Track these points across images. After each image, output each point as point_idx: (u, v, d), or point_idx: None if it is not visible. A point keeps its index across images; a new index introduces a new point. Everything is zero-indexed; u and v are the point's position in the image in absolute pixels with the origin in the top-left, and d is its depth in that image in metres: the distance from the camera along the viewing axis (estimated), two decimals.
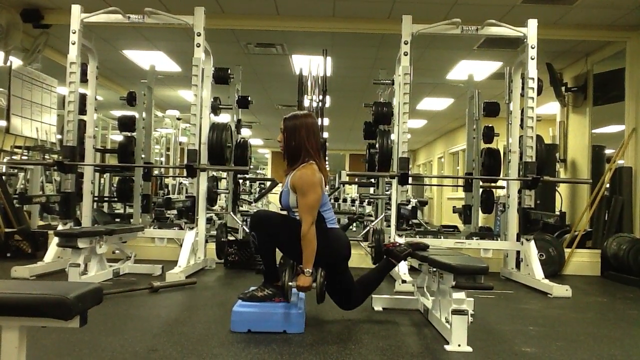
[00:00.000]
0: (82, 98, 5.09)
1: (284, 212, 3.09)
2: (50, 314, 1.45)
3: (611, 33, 6.06)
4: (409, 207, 4.77)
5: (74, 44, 4.74)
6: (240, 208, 7.56)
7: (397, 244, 3.30)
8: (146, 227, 5.12)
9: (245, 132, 7.76)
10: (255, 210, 3.68)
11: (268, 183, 9.75)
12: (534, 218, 4.84)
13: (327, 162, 6.21)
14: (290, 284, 2.83)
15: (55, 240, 4.31)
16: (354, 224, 10.38)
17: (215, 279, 4.73)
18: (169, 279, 4.18)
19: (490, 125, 6.38)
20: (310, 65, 5.51)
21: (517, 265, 5.02)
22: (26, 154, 7.19)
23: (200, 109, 4.94)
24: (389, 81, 5.80)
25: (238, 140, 6.07)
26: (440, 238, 5.25)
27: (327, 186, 3.05)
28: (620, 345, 2.84)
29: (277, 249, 2.99)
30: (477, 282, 2.68)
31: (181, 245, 4.79)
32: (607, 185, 6.09)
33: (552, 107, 8.00)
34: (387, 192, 6.73)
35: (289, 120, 2.96)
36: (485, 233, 5.84)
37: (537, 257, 4.73)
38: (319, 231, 2.82)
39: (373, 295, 3.56)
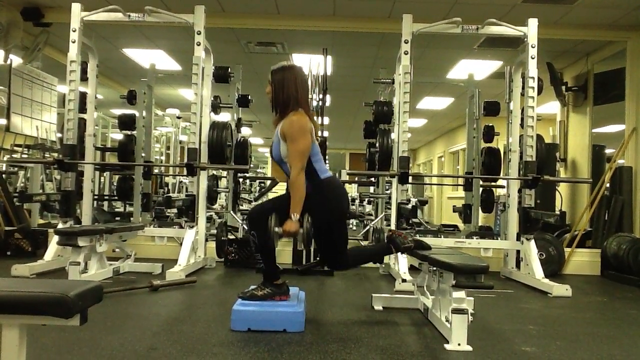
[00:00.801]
0: (82, 96, 5.09)
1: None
2: (50, 312, 1.44)
3: (611, 33, 6.06)
4: (409, 206, 4.77)
5: (74, 42, 4.74)
6: (241, 207, 7.57)
7: (403, 235, 3.24)
8: (146, 226, 5.12)
9: (245, 131, 7.75)
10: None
11: (268, 182, 9.76)
12: (534, 217, 4.85)
13: (327, 162, 6.21)
14: (276, 229, 2.77)
15: (55, 239, 4.31)
16: (354, 223, 10.42)
17: (215, 277, 4.73)
18: (169, 278, 4.18)
19: (490, 124, 6.38)
20: (311, 64, 5.51)
21: (517, 265, 5.02)
22: (26, 152, 7.19)
23: (201, 107, 4.94)
24: (389, 80, 5.79)
25: (238, 139, 6.07)
26: (440, 237, 5.25)
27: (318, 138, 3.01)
28: (619, 345, 2.84)
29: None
30: (477, 281, 2.68)
31: (181, 244, 4.79)
32: (607, 185, 6.09)
33: (553, 107, 8.00)
34: (387, 191, 6.73)
35: (277, 72, 2.93)
36: (485, 232, 5.84)
37: (537, 257, 4.73)
38: (313, 185, 2.81)
39: (373, 295, 3.57)
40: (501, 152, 5.92)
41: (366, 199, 10.44)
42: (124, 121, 6.40)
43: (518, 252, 5.00)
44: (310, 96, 5.26)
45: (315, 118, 3.06)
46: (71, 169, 4.80)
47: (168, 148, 11.02)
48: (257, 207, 3.15)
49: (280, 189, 5.31)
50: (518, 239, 4.94)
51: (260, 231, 2.85)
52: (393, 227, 4.78)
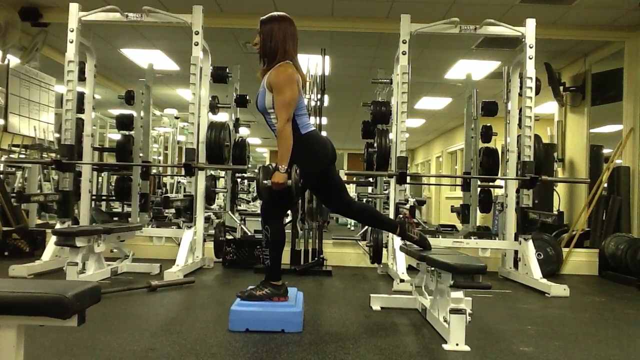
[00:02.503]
0: (80, 96, 5.08)
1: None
2: (48, 313, 1.44)
3: (609, 33, 6.07)
4: (407, 206, 4.77)
5: (72, 42, 4.73)
6: (239, 207, 7.56)
7: (413, 224, 3.21)
8: (144, 226, 5.12)
9: (243, 131, 7.76)
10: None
11: None
12: (532, 217, 4.85)
13: None
14: (265, 182, 2.75)
15: (53, 239, 4.30)
16: (353, 223, 10.42)
17: (213, 278, 4.73)
18: (167, 278, 4.18)
19: (488, 124, 6.40)
20: (309, 64, 5.51)
21: (515, 265, 5.02)
22: (24, 152, 7.18)
23: (199, 107, 4.93)
24: (388, 80, 5.79)
25: (236, 139, 6.07)
26: (439, 237, 5.26)
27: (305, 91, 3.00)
28: (618, 345, 2.85)
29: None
30: (475, 281, 2.68)
31: (179, 244, 4.79)
32: (605, 185, 6.10)
33: (550, 107, 8.01)
34: (385, 192, 6.72)
35: (266, 23, 2.90)
36: (483, 232, 5.85)
37: (535, 257, 4.74)
38: (295, 141, 2.78)
39: (371, 295, 3.57)
40: (499, 152, 5.92)
41: (364, 199, 10.43)
42: (122, 121, 6.39)
43: (516, 252, 5.00)
44: (307, 96, 5.27)
45: (303, 71, 3.02)
46: (69, 169, 4.79)
47: (166, 148, 11.02)
48: (269, 199, 3.04)
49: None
50: (516, 239, 4.95)
51: (273, 226, 2.84)
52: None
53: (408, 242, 3.29)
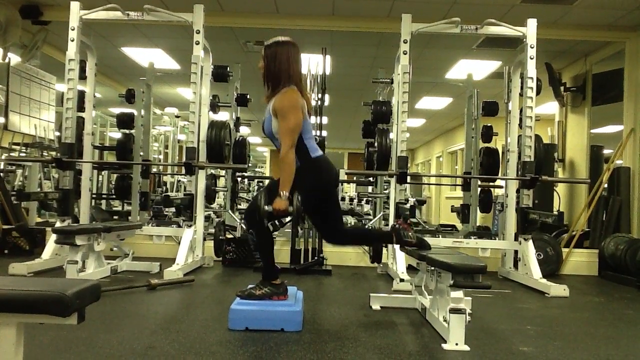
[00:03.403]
0: (81, 95, 5.08)
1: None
2: (48, 311, 1.44)
3: (610, 33, 6.06)
4: (408, 205, 4.77)
5: (72, 40, 4.73)
6: (239, 206, 7.56)
7: (407, 228, 3.20)
8: (144, 225, 5.12)
9: (244, 130, 7.75)
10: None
11: (266, 181, 9.74)
12: (532, 218, 4.85)
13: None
14: (266, 207, 2.75)
15: (53, 237, 4.30)
16: (352, 223, 10.41)
17: (213, 276, 4.73)
18: (166, 277, 4.18)
19: (489, 124, 6.39)
20: (310, 63, 5.50)
21: (515, 265, 5.02)
22: (24, 150, 7.17)
23: (199, 106, 4.93)
24: (388, 80, 5.79)
25: (237, 138, 6.07)
26: (439, 237, 5.26)
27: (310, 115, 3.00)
28: (617, 345, 2.85)
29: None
30: (475, 281, 2.68)
31: (179, 243, 4.79)
32: (605, 185, 6.10)
33: (551, 107, 8.01)
34: (385, 191, 6.72)
35: (270, 47, 2.90)
36: (483, 232, 5.85)
37: (535, 257, 4.74)
38: (303, 163, 2.81)
39: (371, 294, 3.57)
40: (499, 152, 5.92)
41: (364, 199, 10.43)
42: (122, 120, 6.39)
43: (516, 252, 5.00)
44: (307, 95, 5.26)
45: (308, 94, 3.02)
46: (69, 168, 4.79)
47: (166, 147, 11.02)
48: (251, 205, 3.10)
49: None
50: (516, 239, 4.94)
51: (258, 227, 2.85)
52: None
53: (408, 248, 3.27)
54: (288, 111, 2.76)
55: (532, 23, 4.77)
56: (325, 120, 6.11)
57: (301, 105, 2.82)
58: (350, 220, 10.45)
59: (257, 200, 2.84)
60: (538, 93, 4.89)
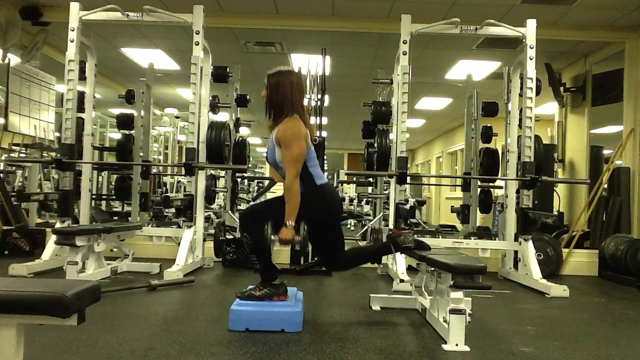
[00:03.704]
0: (81, 96, 5.08)
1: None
2: (48, 312, 1.44)
3: (610, 34, 6.07)
4: (407, 206, 4.77)
5: (72, 41, 4.73)
6: (239, 207, 7.56)
7: (403, 234, 3.23)
8: (144, 226, 5.11)
9: (243, 131, 7.75)
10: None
11: (266, 182, 9.75)
12: (532, 218, 4.85)
13: (325, 161, 6.21)
14: (272, 237, 2.80)
15: (53, 238, 4.30)
16: (352, 223, 10.42)
17: (213, 277, 4.73)
18: (166, 278, 4.18)
19: (488, 125, 6.39)
20: (309, 64, 5.51)
21: (515, 265, 5.02)
22: (24, 151, 7.18)
23: (199, 107, 4.93)
24: (388, 80, 5.80)
25: (236, 139, 6.07)
26: (439, 237, 5.25)
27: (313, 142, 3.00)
28: (617, 346, 2.85)
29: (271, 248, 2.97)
30: (475, 281, 2.67)
31: (179, 244, 4.79)
32: (605, 186, 6.10)
33: (551, 107, 8.01)
34: (385, 192, 6.73)
35: (272, 77, 2.91)
36: (483, 233, 5.85)
37: (535, 257, 4.74)
38: (309, 189, 2.82)
39: (371, 295, 3.57)
40: (499, 152, 5.92)
41: (364, 199, 10.44)
42: (122, 121, 6.39)
43: (516, 252, 5.00)
44: (307, 96, 5.27)
45: (310, 121, 3.04)
46: (69, 168, 4.79)
47: (166, 148, 11.02)
48: (249, 209, 3.16)
49: (278, 189, 5.31)
50: (516, 239, 4.94)
51: (252, 232, 2.86)
52: (392, 227, 4.78)
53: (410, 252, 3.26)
54: (291, 141, 2.78)
55: (531, 23, 4.77)
56: (325, 120, 6.12)
57: (304, 134, 2.83)
58: (350, 222, 10.49)
59: (254, 209, 2.89)
60: (538, 93, 4.89)
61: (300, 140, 2.79)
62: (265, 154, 3.01)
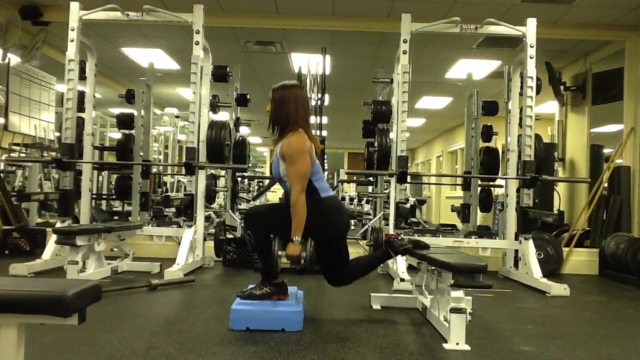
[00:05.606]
0: (81, 95, 5.08)
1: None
2: (48, 311, 1.44)
3: (610, 32, 6.06)
4: (408, 205, 4.77)
5: (72, 41, 4.73)
6: (239, 206, 7.56)
7: (399, 237, 3.24)
8: (144, 225, 5.12)
9: (243, 130, 7.74)
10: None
11: (266, 181, 9.75)
12: (532, 217, 4.85)
13: (325, 161, 6.21)
14: (279, 253, 2.81)
15: (53, 238, 4.30)
16: (353, 223, 10.41)
17: (213, 277, 4.73)
18: (167, 277, 4.18)
19: (489, 124, 6.39)
20: (309, 63, 5.50)
21: (516, 264, 5.02)
22: (24, 151, 7.18)
23: (199, 106, 4.93)
24: (388, 80, 5.79)
25: (237, 139, 6.07)
26: (439, 237, 5.25)
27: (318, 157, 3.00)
28: (618, 344, 2.85)
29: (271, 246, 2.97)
30: (476, 280, 2.68)
31: (179, 243, 4.79)
32: (606, 185, 6.10)
33: (551, 106, 8.01)
34: (385, 191, 6.72)
35: (277, 91, 2.92)
36: (484, 232, 5.85)
37: (536, 256, 4.74)
38: (313, 203, 2.81)
39: (371, 294, 3.57)
40: (499, 151, 5.92)
41: (364, 199, 10.43)
42: (122, 120, 6.39)
43: (516, 251, 5.00)
44: (307, 96, 5.27)
45: (314, 134, 3.04)
46: (69, 168, 4.79)
47: (166, 147, 11.01)
48: (253, 208, 3.16)
49: (278, 188, 5.32)
50: (516, 238, 4.94)
51: (255, 231, 2.86)
52: (391, 226, 4.78)
53: (410, 253, 3.26)
54: (297, 156, 2.78)
55: (531, 22, 4.77)
56: (325, 120, 6.12)
57: (308, 149, 2.83)
58: (350, 222, 10.47)
59: (258, 209, 2.92)
60: (538, 92, 4.89)
61: (304, 155, 2.79)
62: (269, 168, 3.01)
